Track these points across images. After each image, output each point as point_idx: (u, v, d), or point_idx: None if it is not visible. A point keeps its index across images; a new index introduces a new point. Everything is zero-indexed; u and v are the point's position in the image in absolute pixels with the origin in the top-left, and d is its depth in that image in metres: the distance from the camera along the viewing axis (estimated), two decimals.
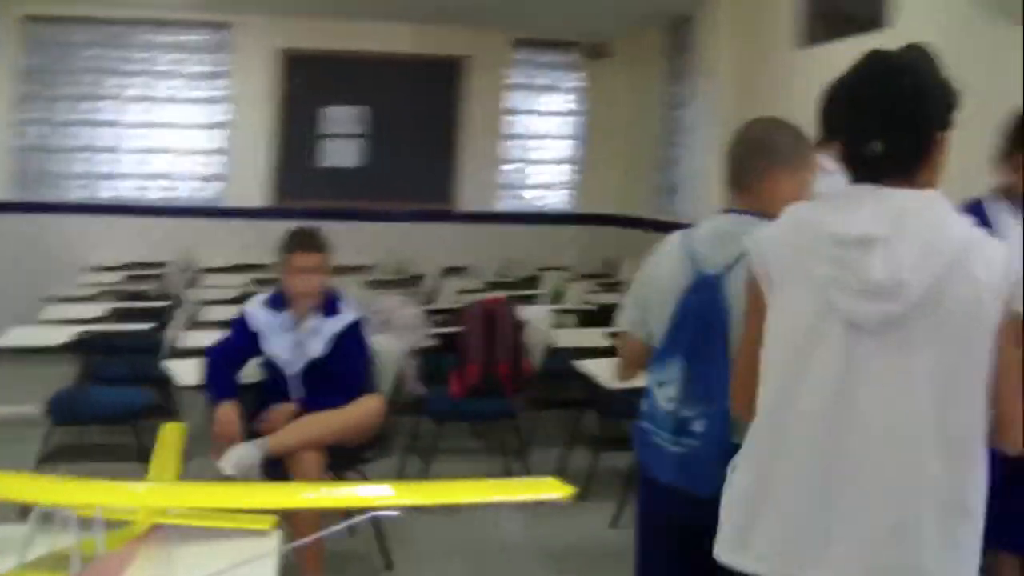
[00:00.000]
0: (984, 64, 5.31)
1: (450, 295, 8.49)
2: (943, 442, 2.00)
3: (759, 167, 2.84)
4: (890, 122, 2.09)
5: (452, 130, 10.95)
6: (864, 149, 2.10)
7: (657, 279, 2.91)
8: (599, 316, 7.96)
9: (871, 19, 6.81)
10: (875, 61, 2.16)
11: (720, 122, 8.83)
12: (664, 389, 2.80)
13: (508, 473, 5.91)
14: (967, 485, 2.03)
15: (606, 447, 6.07)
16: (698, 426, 2.71)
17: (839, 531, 2.04)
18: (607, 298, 8.74)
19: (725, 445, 2.56)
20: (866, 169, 2.11)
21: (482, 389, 5.88)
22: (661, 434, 2.79)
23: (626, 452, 5.93)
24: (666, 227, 9.74)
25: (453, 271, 10.03)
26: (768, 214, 2.54)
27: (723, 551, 2.20)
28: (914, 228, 2.01)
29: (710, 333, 2.70)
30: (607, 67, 11.29)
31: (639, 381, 5.23)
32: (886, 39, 6.75)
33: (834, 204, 2.14)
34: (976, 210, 3.74)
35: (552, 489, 2.54)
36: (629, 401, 5.60)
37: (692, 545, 2.73)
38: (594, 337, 6.77)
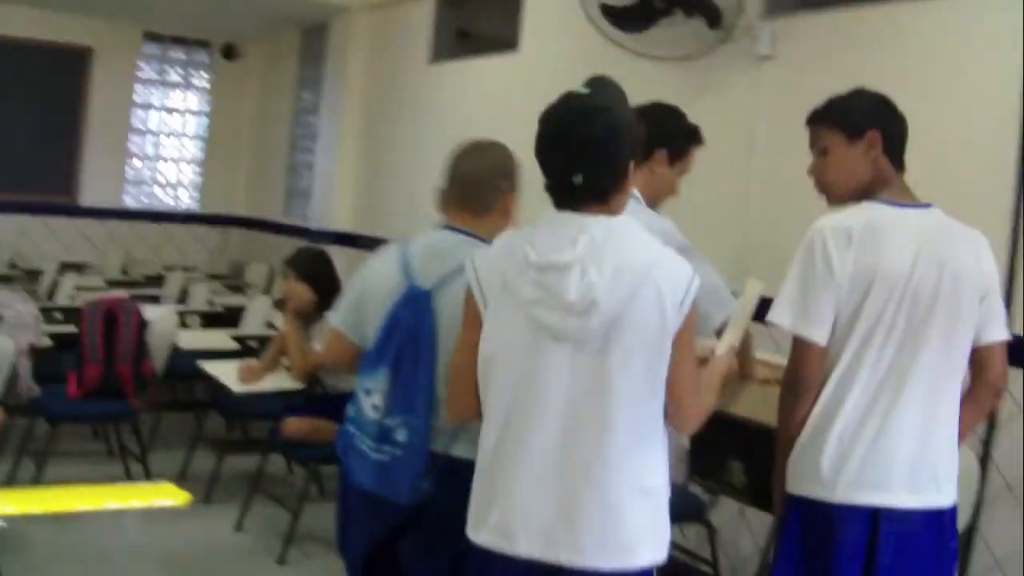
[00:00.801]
0: None
1: (69, 292, 8.19)
2: (631, 431, 2.35)
3: (499, 190, 2.96)
4: (588, 157, 2.35)
5: (76, 121, 10.53)
6: (566, 181, 2.37)
7: (374, 287, 2.99)
8: (224, 318, 7.93)
9: (502, 41, 7.15)
10: (571, 101, 2.41)
11: (350, 130, 9.00)
12: (371, 397, 2.87)
13: (128, 476, 5.78)
14: (649, 467, 2.40)
15: (230, 450, 6.08)
16: (400, 435, 2.81)
17: (554, 512, 2.36)
18: (232, 300, 8.72)
19: (424, 455, 2.77)
20: (568, 198, 2.40)
21: (102, 390, 5.72)
22: (365, 440, 2.88)
23: (250, 455, 5.96)
24: (293, 231, 9.83)
25: (73, 267, 9.66)
26: (486, 236, 2.81)
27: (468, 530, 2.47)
28: (606, 253, 2.32)
29: (418, 346, 2.80)
30: (239, 68, 11.22)
31: (265, 385, 5.30)
32: (513, 60, 7.16)
33: (540, 232, 2.40)
34: None
35: (168, 495, 2.54)
36: (252, 404, 5.67)
37: (391, 548, 2.95)
38: (219, 339, 6.75)
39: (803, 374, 2.81)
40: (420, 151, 7.90)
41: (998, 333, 2.87)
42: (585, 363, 2.33)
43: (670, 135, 3.32)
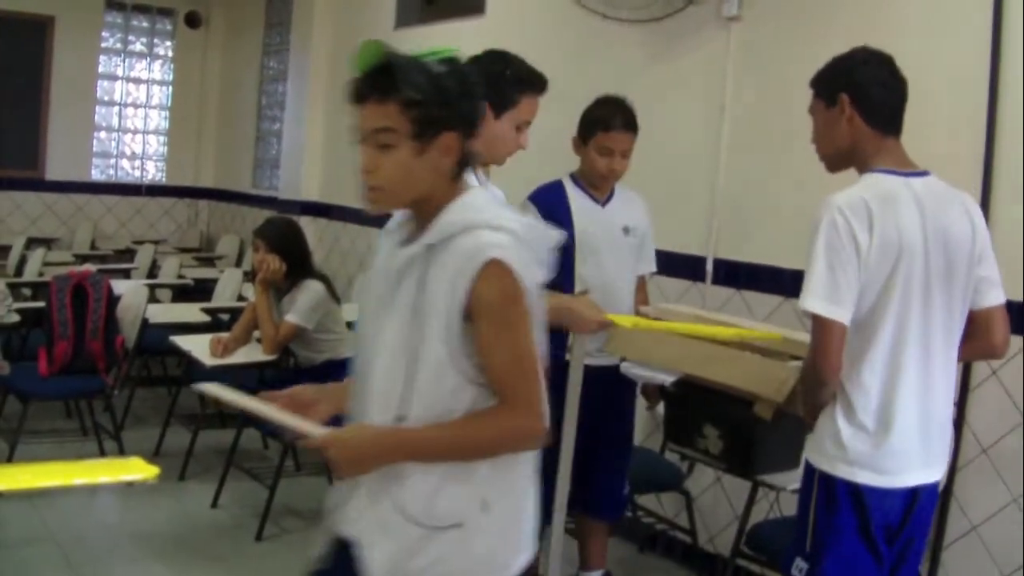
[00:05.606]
0: (571, 52, 5.66)
1: (37, 267, 8.12)
2: None
3: None
4: None
5: (40, 94, 10.35)
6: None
7: None
8: (195, 291, 7.88)
9: (467, 5, 7.08)
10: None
11: (317, 99, 8.91)
12: None
13: (102, 454, 5.76)
14: None
15: (204, 425, 6.04)
16: None
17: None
18: (203, 272, 8.66)
19: None
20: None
21: (73, 366, 5.67)
22: None
23: (225, 430, 5.93)
24: (261, 202, 9.75)
25: (40, 242, 9.57)
26: None
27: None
28: None
29: None
30: (203, 36, 11.08)
31: (236, 358, 5.26)
32: (479, 25, 7.08)
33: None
34: (555, 189, 4.03)
35: (136, 470, 2.48)
36: (225, 378, 5.62)
37: None
38: (190, 312, 6.70)
39: (832, 359, 2.68)
40: None
41: (996, 297, 2.87)
42: None
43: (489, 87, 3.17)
